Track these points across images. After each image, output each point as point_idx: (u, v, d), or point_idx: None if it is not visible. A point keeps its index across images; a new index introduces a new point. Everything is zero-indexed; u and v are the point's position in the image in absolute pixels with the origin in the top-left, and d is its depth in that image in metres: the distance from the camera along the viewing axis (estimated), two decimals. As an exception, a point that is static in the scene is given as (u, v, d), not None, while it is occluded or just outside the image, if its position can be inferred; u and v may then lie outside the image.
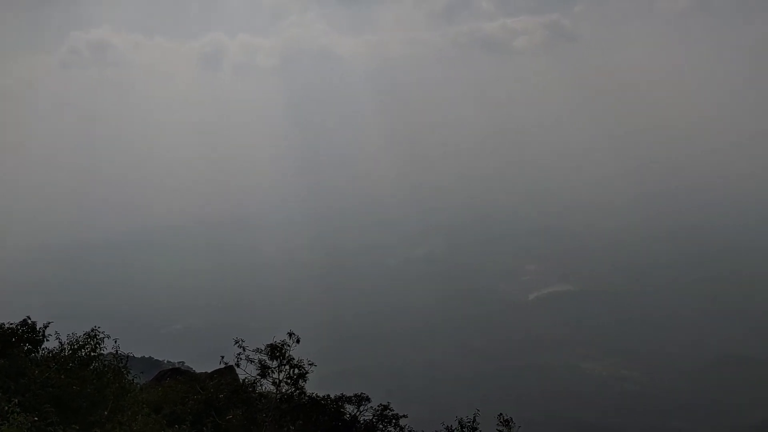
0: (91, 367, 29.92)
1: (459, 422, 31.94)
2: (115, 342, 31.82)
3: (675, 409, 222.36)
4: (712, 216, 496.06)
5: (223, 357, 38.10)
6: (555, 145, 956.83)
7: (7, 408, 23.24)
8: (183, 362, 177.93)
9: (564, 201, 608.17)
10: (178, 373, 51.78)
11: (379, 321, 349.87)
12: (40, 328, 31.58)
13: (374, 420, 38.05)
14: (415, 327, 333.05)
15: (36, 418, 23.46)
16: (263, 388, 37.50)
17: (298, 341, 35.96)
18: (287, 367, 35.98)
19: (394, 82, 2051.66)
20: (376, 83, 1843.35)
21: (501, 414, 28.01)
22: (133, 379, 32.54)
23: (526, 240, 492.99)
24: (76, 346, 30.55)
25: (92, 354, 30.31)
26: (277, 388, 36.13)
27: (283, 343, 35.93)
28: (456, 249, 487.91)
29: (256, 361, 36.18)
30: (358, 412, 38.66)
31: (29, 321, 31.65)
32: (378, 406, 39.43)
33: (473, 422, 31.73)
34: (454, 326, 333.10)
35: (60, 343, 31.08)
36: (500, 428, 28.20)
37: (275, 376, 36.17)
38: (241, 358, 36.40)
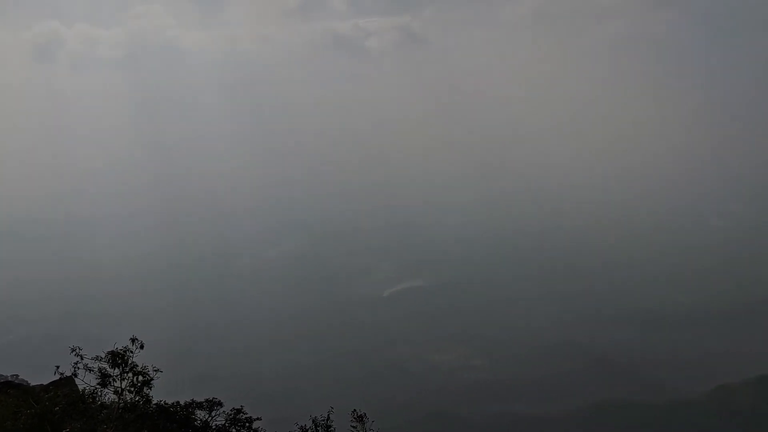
0: None
1: (313, 421, 31.49)
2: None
3: (518, 394, 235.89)
4: (548, 214, 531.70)
5: (58, 367, 35.06)
6: (405, 144, 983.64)
7: None
8: (17, 375, 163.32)
9: (414, 199, 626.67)
10: (9, 387, 47.63)
11: (231, 323, 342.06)
12: None
13: (227, 424, 36.71)
14: (270, 328, 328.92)
15: None
16: (105, 398, 34.98)
17: (141, 347, 33.85)
18: (130, 374, 33.76)
19: (244, 78, 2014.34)
20: (226, 79, 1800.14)
21: (355, 410, 27.93)
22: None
23: (380, 237, 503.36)
24: None
25: None
26: (119, 397, 33.81)
27: (126, 350, 33.67)
28: (310, 248, 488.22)
29: (96, 369, 33.63)
30: (210, 418, 37.12)
31: None
32: (231, 410, 38.11)
33: (327, 420, 31.39)
34: (310, 326, 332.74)
35: None
36: (354, 424, 28.08)
37: (117, 384, 33.82)
38: (78, 368, 33.68)
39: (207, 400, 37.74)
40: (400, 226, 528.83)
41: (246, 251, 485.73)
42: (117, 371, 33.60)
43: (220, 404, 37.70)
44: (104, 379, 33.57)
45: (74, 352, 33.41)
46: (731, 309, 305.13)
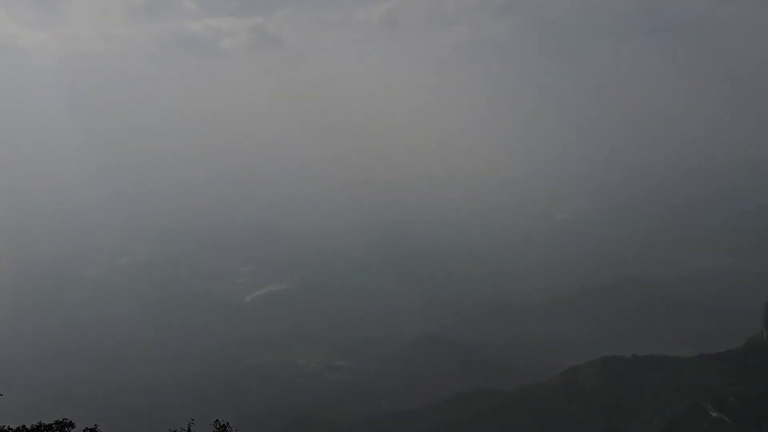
0: None
1: (173, 434, 30.57)
2: None
3: (382, 391, 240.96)
4: (408, 213, 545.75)
5: None
6: (262, 144, 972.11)
7: None
8: None
9: (273, 201, 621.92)
10: None
11: (82, 337, 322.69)
12: None
13: (78, 446, 34.74)
14: (126, 340, 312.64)
15: None
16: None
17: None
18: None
19: (88, 79, 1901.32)
20: (67, 80, 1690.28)
21: (217, 420, 27.44)
22: None
23: (239, 241, 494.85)
24: None
25: None
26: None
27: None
28: (166, 255, 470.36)
29: None
30: (59, 440, 34.96)
31: None
32: (84, 430, 36.07)
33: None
34: (169, 335, 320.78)
35: None
36: (217, 434, 27.55)
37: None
38: None
39: (57, 422, 35.56)
40: (260, 229, 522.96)
41: (98, 259, 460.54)
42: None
43: (71, 425, 35.64)
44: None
45: None
46: (577, 297, 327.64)
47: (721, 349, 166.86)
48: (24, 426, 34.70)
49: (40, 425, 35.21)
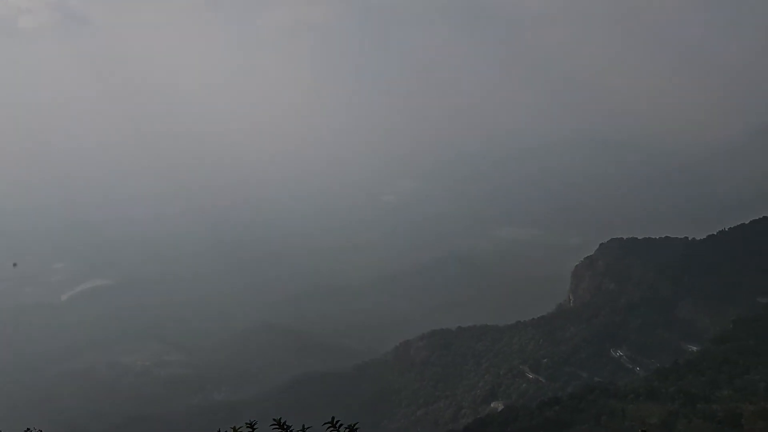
0: None
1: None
2: None
3: (218, 382, 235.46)
4: (236, 201, 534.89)
5: None
6: (76, 134, 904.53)
7: None
8: None
9: (92, 193, 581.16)
10: None
11: None
12: None
13: None
14: None
15: None
16: None
17: None
18: None
19: None
20: None
21: (28, 429, 24.99)
22: None
23: (49, 237, 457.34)
24: None
25: None
26: None
27: None
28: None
29: None
30: None
31: None
32: None
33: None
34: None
35: None
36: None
37: None
38: None
39: None
40: (76, 224, 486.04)
41: None
42: None
43: None
44: None
45: None
46: (405, 274, 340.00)
47: (535, 315, 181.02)
48: None
49: None
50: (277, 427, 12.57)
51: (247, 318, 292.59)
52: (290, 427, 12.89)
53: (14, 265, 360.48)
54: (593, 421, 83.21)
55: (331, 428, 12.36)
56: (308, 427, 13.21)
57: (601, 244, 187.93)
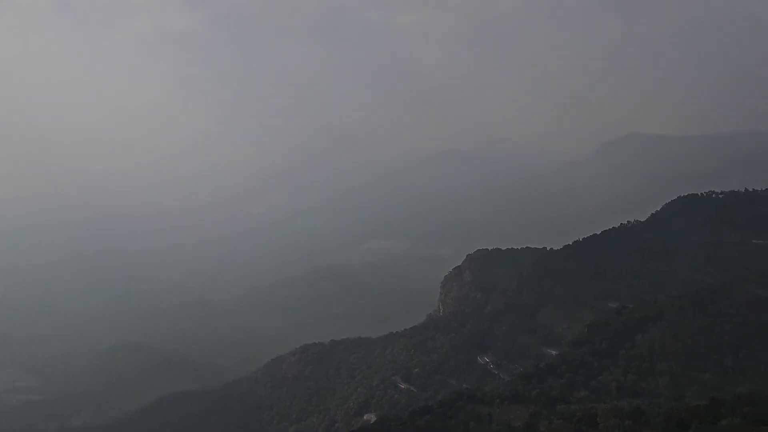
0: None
1: None
2: None
3: (76, 407, 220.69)
4: (96, 217, 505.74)
5: None
6: None
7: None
8: None
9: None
10: None
11: None
12: None
13: None
14: None
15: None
16: None
17: None
18: None
19: None
20: None
21: None
22: None
23: None
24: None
25: None
26: None
27: None
28: None
29: None
30: None
31: None
32: None
33: None
34: None
35: None
36: None
37: None
38: None
39: None
40: None
41: None
42: None
43: None
44: None
45: None
46: (275, 289, 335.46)
47: (407, 326, 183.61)
48: None
49: None
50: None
51: (108, 337, 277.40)
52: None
53: None
54: (462, 427, 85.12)
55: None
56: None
57: (468, 255, 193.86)
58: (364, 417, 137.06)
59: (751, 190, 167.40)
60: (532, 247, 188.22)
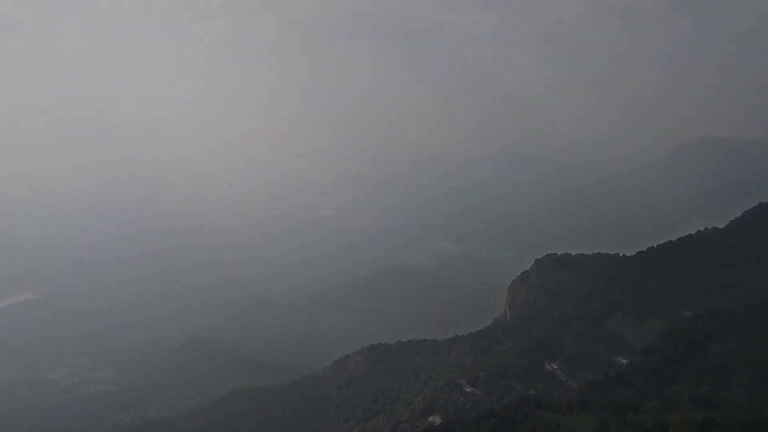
0: None
1: None
2: None
3: (149, 399, 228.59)
4: (169, 213, 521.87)
5: None
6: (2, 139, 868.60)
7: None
8: None
9: (9, 201, 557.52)
10: None
11: None
12: None
13: None
14: None
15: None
16: None
17: None
18: None
19: None
20: None
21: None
22: None
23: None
24: None
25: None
26: None
27: None
28: None
29: None
30: None
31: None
32: None
33: None
34: None
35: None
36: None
37: None
38: None
39: None
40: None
41: None
42: None
43: None
44: None
45: None
46: (343, 288, 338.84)
47: (473, 329, 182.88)
48: None
49: None
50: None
51: (180, 332, 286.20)
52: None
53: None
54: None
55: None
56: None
57: (536, 260, 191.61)
58: (429, 419, 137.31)
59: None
60: (603, 252, 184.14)
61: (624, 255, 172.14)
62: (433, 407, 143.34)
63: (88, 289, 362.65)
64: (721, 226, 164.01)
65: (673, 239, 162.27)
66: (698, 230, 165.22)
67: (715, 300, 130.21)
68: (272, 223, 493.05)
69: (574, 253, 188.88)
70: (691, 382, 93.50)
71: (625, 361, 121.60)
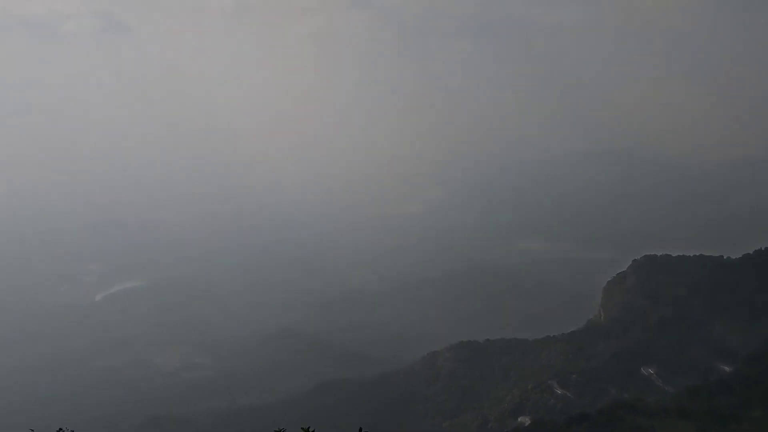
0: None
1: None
2: None
3: (242, 386, 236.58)
4: (264, 209, 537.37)
5: None
6: (111, 137, 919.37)
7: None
8: None
9: (122, 196, 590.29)
10: None
11: None
12: None
13: None
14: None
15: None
16: None
17: None
18: None
19: None
20: None
21: (61, 429, 25.59)
22: None
23: (83, 238, 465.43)
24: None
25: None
26: None
27: None
28: (2, 254, 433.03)
29: None
30: None
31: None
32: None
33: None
34: (9, 342, 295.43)
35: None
36: (63, 443, 25.67)
37: None
38: None
39: None
40: (108, 226, 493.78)
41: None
42: None
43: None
44: None
45: None
46: (430, 284, 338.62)
47: (565, 330, 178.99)
48: None
49: None
50: (304, 435, 12.68)
51: (272, 323, 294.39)
52: (318, 435, 12.94)
53: None
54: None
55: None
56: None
57: (634, 260, 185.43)
58: (519, 419, 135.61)
59: None
60: (706, 255, 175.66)
61: (728, 257, 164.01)
62: (523, 407, 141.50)
63: (190, 280, 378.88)
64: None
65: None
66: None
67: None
68: (361, 218, 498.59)
69: (675, 255, 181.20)
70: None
71: (727, 369, 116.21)
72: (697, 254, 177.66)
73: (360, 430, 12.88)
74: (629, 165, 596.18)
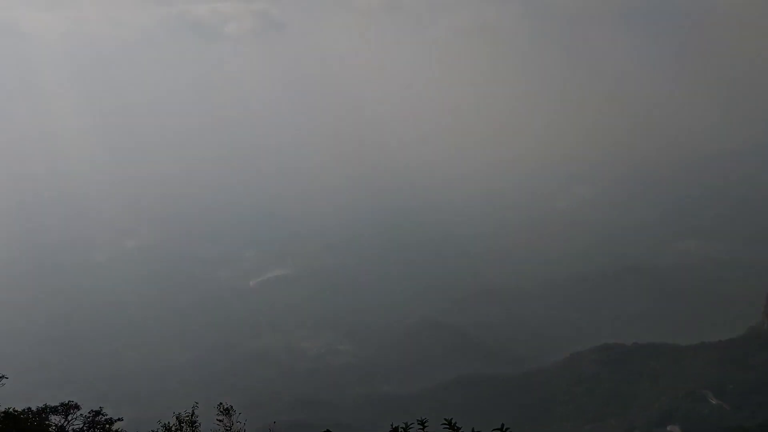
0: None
1: (177, 418, 31.10)
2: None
3: (384, 375, 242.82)
4: (407, 198, 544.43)
5: None
6: (269, 131, 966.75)
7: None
8: None
9: (278, 187, 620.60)
10: None
11: (88, 320, 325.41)
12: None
13: (85, 428, 35.41)
14: (130, 324, 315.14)
15: None
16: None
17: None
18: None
19: (98, 64, 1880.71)
20: (73, 64, 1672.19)
21: (221, 403, 27.98)
22: None
23: (242, 226, 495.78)
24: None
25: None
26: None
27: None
28: (167, 238, 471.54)
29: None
30: (66, 422, 35.64)
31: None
32: (89, 412, 36.62)
33: (192, 416, 31.05)
34: (173, 319, 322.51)
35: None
36: (220, 418, 28.15)
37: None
38: None
39: (62, 404, 36.15)
40: (263, 215, 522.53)
41: (103, 244, 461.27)
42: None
43: (77, 407, 36.22)
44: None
45: None
46: (577, 283, 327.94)
47: (722, 337, 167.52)
48: (29, 408, 35.37)
49: (45, 407, 35.87)
50: (447, 426, 13.24)
51: (415, 314, 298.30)
52: (460, 428, 13.51)
53: None
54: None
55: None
56: (478, 431, 13.69)
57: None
58: (668, 428, 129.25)
59: None
60: None
61: None
62: (672, 416, 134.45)
63: (337, 269, 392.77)
64: None
65: None
66: None
67: None
68: (506, 215, 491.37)
69: None
70: None
71: None
72: None
73: (502, 426, 13.11)
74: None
